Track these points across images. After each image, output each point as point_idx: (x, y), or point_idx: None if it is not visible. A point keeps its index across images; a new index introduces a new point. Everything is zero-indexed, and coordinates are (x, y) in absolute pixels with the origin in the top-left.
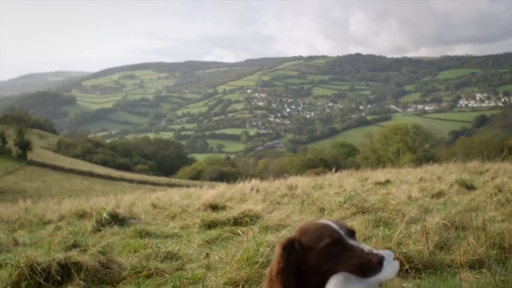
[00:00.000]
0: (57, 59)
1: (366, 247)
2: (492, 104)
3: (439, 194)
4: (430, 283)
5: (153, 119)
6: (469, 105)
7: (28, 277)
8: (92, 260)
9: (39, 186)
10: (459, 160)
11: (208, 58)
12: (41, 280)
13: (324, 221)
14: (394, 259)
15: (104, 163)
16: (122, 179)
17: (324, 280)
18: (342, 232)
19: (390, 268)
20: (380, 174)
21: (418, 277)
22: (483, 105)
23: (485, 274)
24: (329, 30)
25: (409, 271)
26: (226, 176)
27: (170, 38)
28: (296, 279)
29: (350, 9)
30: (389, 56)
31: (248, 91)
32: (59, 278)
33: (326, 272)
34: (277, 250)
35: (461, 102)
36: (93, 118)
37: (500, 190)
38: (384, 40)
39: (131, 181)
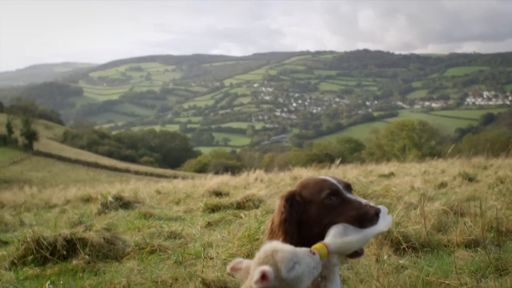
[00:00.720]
0: (65, 50)
1: (363, 200)
2: (500, 102)
3: (442, 185)
4: (426, 261)
5: (160, 112)
6: (476, 103)
7: (34, 251)
8: (97, 236)
9: (45, 176)
10: (464, 156)
11: (215, 52)
12: (47, 254)
13: (323, 176)
14: (388, 214)
15: (110, 155)
16: (127, 171)
17: (324, 232)
18: (340, 186)
19: (384, 222)
20: (384, 167)
21: (415, 256)
22: (491, 103)
23: (480, 252)
24: (337, 26)
25: (407, 249)
26: (232, 170)
27: (178, 31)
28: (297, 231)
29: (359, 5)
30: (396, 52)
31: (255, 85)
32: (64, 252)
33: (326, 224)
34: (279, 202)
35: (468, 99)
36: (100, 109)
37: (502, 182)
38: (392, 37)
39: (136, 172)
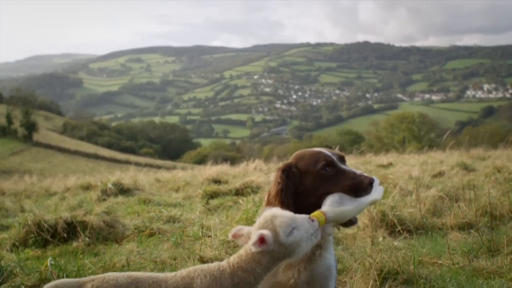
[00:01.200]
0: (65, 41)
1: (357, 170)
2: (500, 95)
3: (439, 174)
4: (420, 242)
5: (159, 103)
6: (477, 95)
7: (35, 234)
8: (97, 219)
9: (44, 167)
10: (464, 148)
11: (215, 43)
12: (48, 237)
13: (317, 148)
14: (379, 185)
15: (109, 146)
16: (127, 162)
17: (319, 202)
18: (334, 158)
19: (377, 192)
20: (383, 158)
21: (410, 238)
22: (491, 96)
23: (473, 234)
24: (337, 18)
25: (401, 232)
26: (231, 161)
27: (178, 22)
28: (293, 201)
29: None
30: (397, 44)
31: (255, 77)
32: (65, 235)
33: (322, 194)
34: (276, 173)
35: (468, 92)
36: (99, 100)
37: (499, 171)
38: (392, 29)
39: (136, 163)
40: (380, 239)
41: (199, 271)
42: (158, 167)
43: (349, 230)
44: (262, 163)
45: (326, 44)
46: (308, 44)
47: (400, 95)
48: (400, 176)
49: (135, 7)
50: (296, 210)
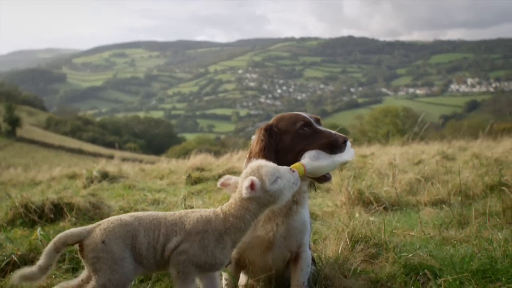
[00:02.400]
0: (48, 36)
1: (332, 131)
2: (483, 89)
3: (419, 162)
4: (395, 217)
5: (144, 98)
6: (460, 89)
7: (23, 215)
8: (83, 201)
9: (28, 162)
10: (446, 140)
11: (200, 38)
12: (35, 218)
13: (295, 112)
14: (351, 147)
15: (94, 141)
16: (111, 157)
17: (297, 159)
18: (312, 120)
19: (348, 154)
20: (366, 149)
21: (385, 214)
22: (474, 90)
23: (445, 209)
24: (322, 12)
25: (377, 208)
26: (216, 153)
27: (162, 17)
28: (274, 157)
29: None
30: (381, 39)
31: (240, 71)
32: (52, 216)
33: (299, 151)
34: (259, 133)
35: (452, 86)
36: (83, 96)
37: (476, 158)
38: (377, 23)
39: (120, 158)
40: (357, 215)
41: (196, 213)
42: (143, 161)
43: (327, 208)
44: (246, 153)
45: (311, 39)
46: (292, 39)
47: (384, 90)
48: (381, 162)
49: (119, 2)
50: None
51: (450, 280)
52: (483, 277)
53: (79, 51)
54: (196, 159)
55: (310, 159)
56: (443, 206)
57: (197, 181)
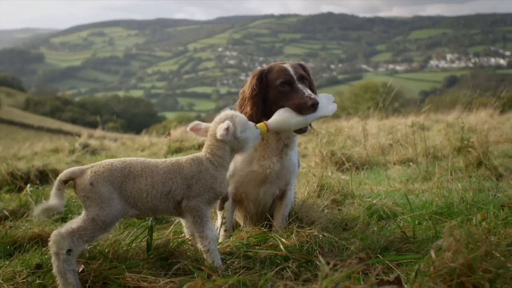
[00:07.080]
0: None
1: (307, 91)
2: (463, 64)
3: (395, 131)
4: (365, 175)
5: (123, 77)
6: (440, 65)
7: (9, 182)
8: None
9: (8, 144)
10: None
11: (179, 16)
12: (22, 184)
13: (285, 65)
14: (333, 102)
15: (74, 121)
16: (91, 136)
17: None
18: (295, 77)
19: (328, 109)
20: (344, 122)
21: (356, 173)
22: (454, 65)
23: (412, 166)
24: None
25: (349, 168)
26: None
27: None
28: (263, 104)
29: None
30: (361, 15)
31: (219, 49)
32: (38, 182)
33: (281, 106)
34: (251, 79)
35: (432, 62)
36: (62, 76)
37: (450, 127)
38: None
39: (101, 138)
40: (330, 173)
41: (186, 159)
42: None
43: (302, 170)
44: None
45: (290, 16)
46: (272, 16)
47: (364, 66)
48: (356, 131)
49: None
50: (264, 113)
51: (409, 219)
52: (439, 218)
53: (57, 31)
54: (176, 132)
55: (277, 117)
56: (411, 164)
57: (177, 151)
